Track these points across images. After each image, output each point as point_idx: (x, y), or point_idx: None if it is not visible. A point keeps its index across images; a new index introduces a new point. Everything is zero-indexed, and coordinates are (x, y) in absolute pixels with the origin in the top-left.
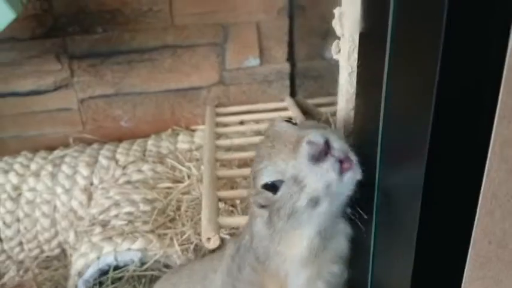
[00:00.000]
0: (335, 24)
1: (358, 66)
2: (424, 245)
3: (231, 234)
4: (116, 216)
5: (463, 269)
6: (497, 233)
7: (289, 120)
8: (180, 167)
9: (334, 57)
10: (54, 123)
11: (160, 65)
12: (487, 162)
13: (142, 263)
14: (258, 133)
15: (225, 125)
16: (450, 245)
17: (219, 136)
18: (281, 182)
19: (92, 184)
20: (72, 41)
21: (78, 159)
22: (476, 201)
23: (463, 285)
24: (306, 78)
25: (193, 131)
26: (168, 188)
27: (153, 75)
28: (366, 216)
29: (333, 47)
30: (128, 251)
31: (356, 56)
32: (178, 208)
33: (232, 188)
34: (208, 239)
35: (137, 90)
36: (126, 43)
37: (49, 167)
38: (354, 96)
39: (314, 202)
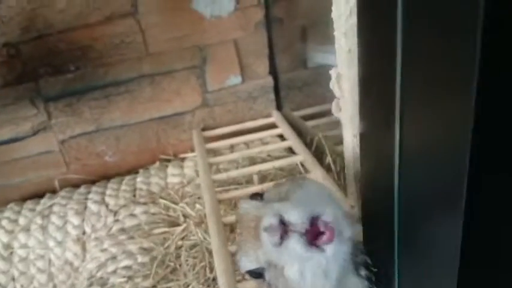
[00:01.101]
0: (333, 85)
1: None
2: None
3: None
4: (114, 272)
5: None
6: None
7: (255, 195)
8: (174, 206)
9: (336, 115)
10: (37, 167)
11: (139, 95)
12: None
13: None
14: (250, 160)
15: (215, 152)
16: None
17: (211, 167)
18: (261, 268)
19: (84, 233)
20: (45, 83)
21: (67, 207)
22: None
23: None
24: (291, 90)
25: (183, 160)
26: (164, 232)
27: (133, 107)
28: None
29: (333, 106)
30: None
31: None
32: (178, 256)
33: None
34: None
35: (118, 123)
36: (101, 78)
37: (38, 220)
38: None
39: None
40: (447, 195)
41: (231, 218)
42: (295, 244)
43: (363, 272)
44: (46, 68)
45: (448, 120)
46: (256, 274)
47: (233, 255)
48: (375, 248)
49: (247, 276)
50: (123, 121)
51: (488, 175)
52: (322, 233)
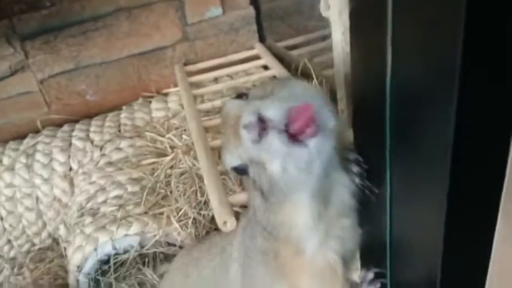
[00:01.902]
0: None
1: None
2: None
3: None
4: (104, 202)
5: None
6: None
7: (240, 94)
8: (160, 138)
9: (324, 14)
10: (17, 109)
11: (117, 30)
12: None
13: (142, 246)
14: (235, 90)
15: (199, 85)
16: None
17: (195, 98)
18: (245, 165)
19: (71, 169)
20: (20, 21)
21: (51, 145)
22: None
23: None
24: (273, 20)
25: (166, 95)
26: (153, 163)
27: (112, 43)
28: (376, 190)
29: (322, 4)
30: (125, 237)
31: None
32: (168, 184)
33: None
34: (225, 222)
35: (97, 60)
36: (78, 13)
37: (23, 159)
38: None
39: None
40: (440, 89)
41: (218, 142)
42: (273, 140)
43: (355, 169)
44: (20, 5)
45: (441, 13)
46: (240, 170)
47: (222, 173)
48: (367, 149)
49: (232, 174)
50: (102, 58)
51: (481, 67)
52: (305, 128)
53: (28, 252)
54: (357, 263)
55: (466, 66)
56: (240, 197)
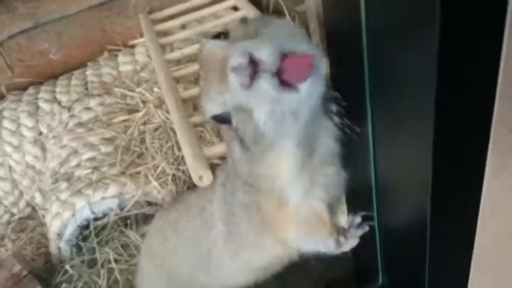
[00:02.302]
0: None
1: None
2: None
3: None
4: (78, 165)
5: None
6: None
7: (218, 34)
8: (130, 93)
9: None
10: None
11: None
12: None
13: (122, 208)
14: (205, 35)
15: (166, 33)
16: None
17: (164, 49)
18: (227, 113)
19: (40, 134)
20: None
21: (17, 110)
22: None
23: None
24: None
25: (132, 47)
26: (125, 120)
27: None
28: (358, 130)
29: None
30: (102, 200)
31: None
32: (143, 141)
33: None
34: (200, 177)
35: (56, 15)
36: None
37: None
38: None
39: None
40: (421, 17)
41: (190, 92)
42: (266, 85)
43: (333, 107)
44: None
45: None
46: (222, 119)
47: (196, 125)
48: (345, 85)
49: (211, 123)
50: (61, 13)
51: None
52: (295, 71)
53: (8, 223)
54: (344, 208)
55: None
56: (217, 149)
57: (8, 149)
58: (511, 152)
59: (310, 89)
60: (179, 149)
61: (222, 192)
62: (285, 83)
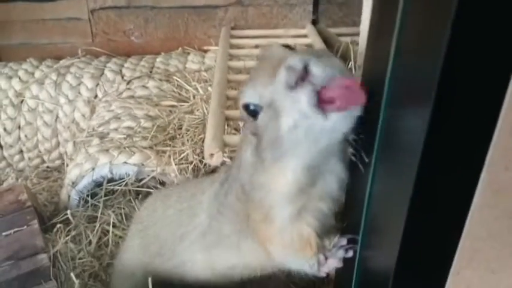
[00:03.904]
0: None
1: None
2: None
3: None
4: (116, 129)
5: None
6: None
7: (287, 45)
8: (186, 86)
9: None
10: (64, 32)
11: None
12: None
13: (139, 180)
14: None
15: (240, 47)
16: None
17: (231, 58)
18: (260, 107)
19: (95, 97)
20: None
21: (84, 70)
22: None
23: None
24: (331, 4)
25: (205, 51)
26: (172, 106)
27: None
28: (366, 160)
29: None
30: (123, 165)
31: None
32: (180, 127)
33: None
34: (211, 155)
35: (150, 3)
36: None
37: (53, 76)
38: None
39: (296, 134)
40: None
41: (234, 93)
42: (305, 96)
43: (351, 136)
44: None
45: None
46: (251, 110)
47: (227, 118)
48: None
49: (242, 111)
50: (155, 3)
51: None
52: (336, 100)
53: (36, 167)
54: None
55: None
56: (236, 139)
57: (62, 100)
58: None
59: (337, 121)
60: None
61: (218, 189)
62: (320, 104)
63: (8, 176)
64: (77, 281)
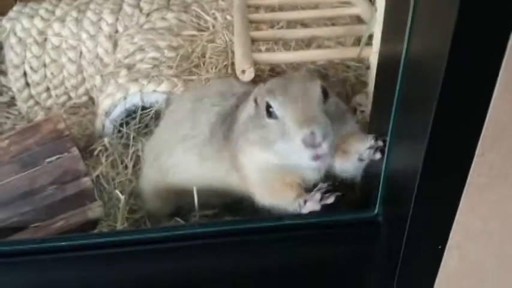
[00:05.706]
0: None
1: None
2: None
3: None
4: (141, 60)
5: None
6: None
7: (315, 69)
8: (205, 16)
9: None
10: None
11: None
12: None
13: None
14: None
15: None
16: None
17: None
18: (277, 118)
19: (116, 32)
20: None
21: (103, 6)
22: None
23: None
24: None
25: None
26: (193, 36)
27: None
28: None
29: None
30: (153, 93)
31: None
32: (203, 55)
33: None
34: (243, 71)
35: None
36: None
37: (74, 13)
38: None
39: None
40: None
41: (256, 16)
42: (310, 152)
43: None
44: None
45: None
46: (271, 113)
47: (253, 40)
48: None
49: (262, 99)
50: None
51: None
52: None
53: (63, 104)
54: None
55: None
56: (265, 56)
57: (84, 35)
58: None
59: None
60: (233, 70)
61: (224, 121)
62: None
63: (37, 114)
64: (122, 197)
